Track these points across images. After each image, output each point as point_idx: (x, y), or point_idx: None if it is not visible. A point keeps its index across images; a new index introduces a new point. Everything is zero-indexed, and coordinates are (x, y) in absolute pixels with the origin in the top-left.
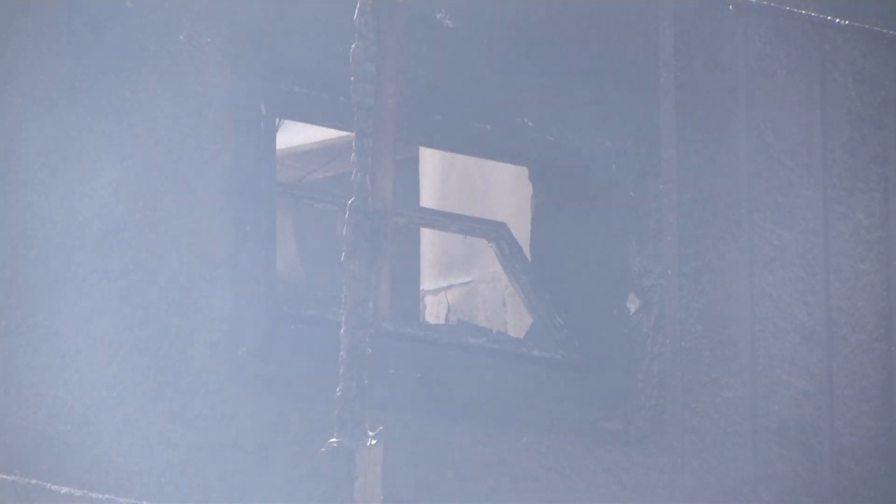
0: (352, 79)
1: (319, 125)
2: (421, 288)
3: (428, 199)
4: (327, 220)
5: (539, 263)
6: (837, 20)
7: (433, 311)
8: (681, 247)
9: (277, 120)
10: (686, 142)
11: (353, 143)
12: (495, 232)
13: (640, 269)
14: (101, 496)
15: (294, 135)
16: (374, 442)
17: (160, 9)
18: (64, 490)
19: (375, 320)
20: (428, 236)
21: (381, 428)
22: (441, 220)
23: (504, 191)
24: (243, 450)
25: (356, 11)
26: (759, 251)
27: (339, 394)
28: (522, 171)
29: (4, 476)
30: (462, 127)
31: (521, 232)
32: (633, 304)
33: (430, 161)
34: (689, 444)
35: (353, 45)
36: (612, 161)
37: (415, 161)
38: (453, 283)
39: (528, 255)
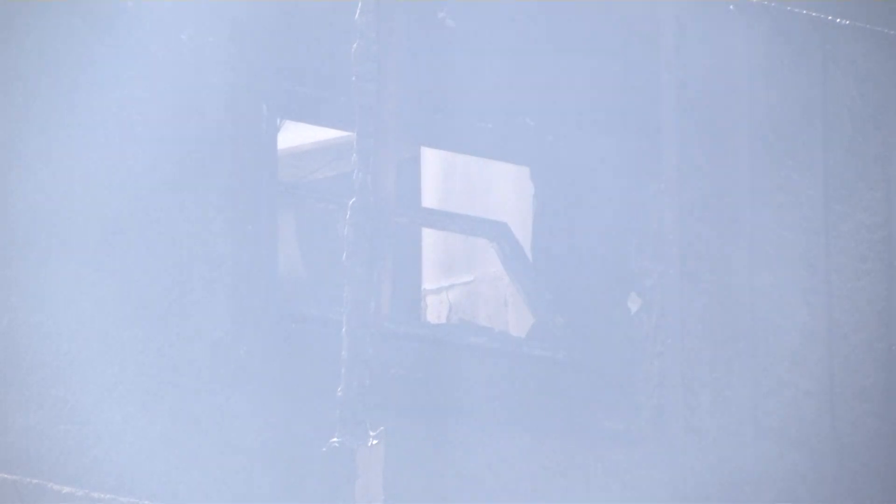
0: (353, 78)
1: (321, 125)
2: (422, 287)
3: (429, 198)
4: (328, 220)
5: (540, 263)
6: (839, 20)
7: (435, 310)
8: (682, 246)
9: (279, 120)
10: (687, 141)
11: (355, 143)
12: (496, 232)
13: (640, 269)
14: (102, 495)
15: (295, 135)
16: (375, 442)
17: (161, 9)
18: (65, 489)
19: (377, 320)
20: (429, 236)
21: (382, 428)
22: (442, 219)
23: (505, 191)
24: (244, 450)
25: (358, 11)
26: (761, 251)
27: (340, 393)
28: (524, 171)
29: (6, 475)
30: (463, 127)
31: (523, 231)
32: (634, 304)
33: (432, 161)
34: (691, 444)
35: (355, 45)
36: (612, 161)
37: (416, 161)
38: (455, 283)
39: (529, 254)
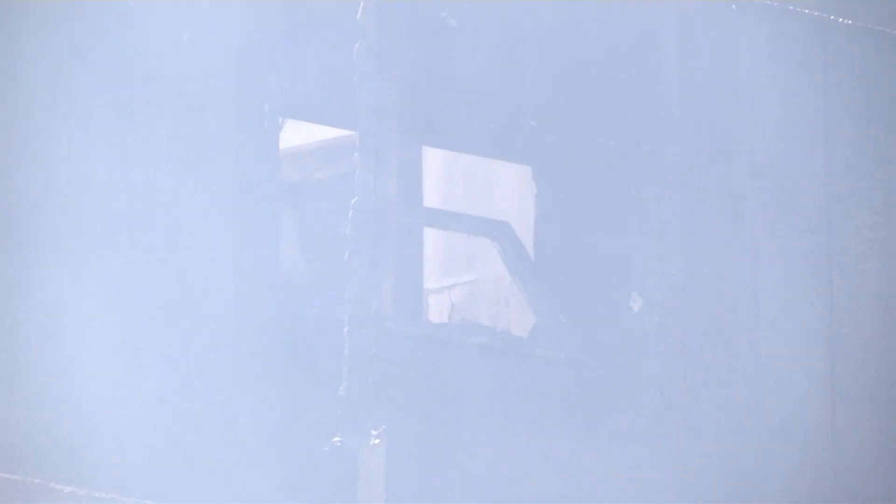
0: (355, 78)
1: (322, 124)
2: (424, 287)
3: (431, 198)
4: (330, 219)
5: (542, 263)
6: (840, 20)
7: (437, 310)
8: (683, 246)
9: (280, 119)
10: (688, 141)
11: (357, 143)
12: (498, 231)
13: (642, 269)
14: (104, 495)
15: (297, 134)
16: (377, 441)
17: (162, 9)
18: (67, 489)
19: (379, 319)
20: (431, 236)
21: (384, 427)
22: (444, 219)
23: (507, 190)
24: (245, 449)
25: (360, 11)
26: (762, 251)
27: (342, 393)
28: (525, 171)
29: (8, 475)
30: (465, 126)
31: (524, 231)
32: (635, 304)
33: (434, 160)
34: (692, 443)
35: (357, 45)
36: (614, 160)
37: (418, 160)
38: (456, 282)
39: (531, 254)
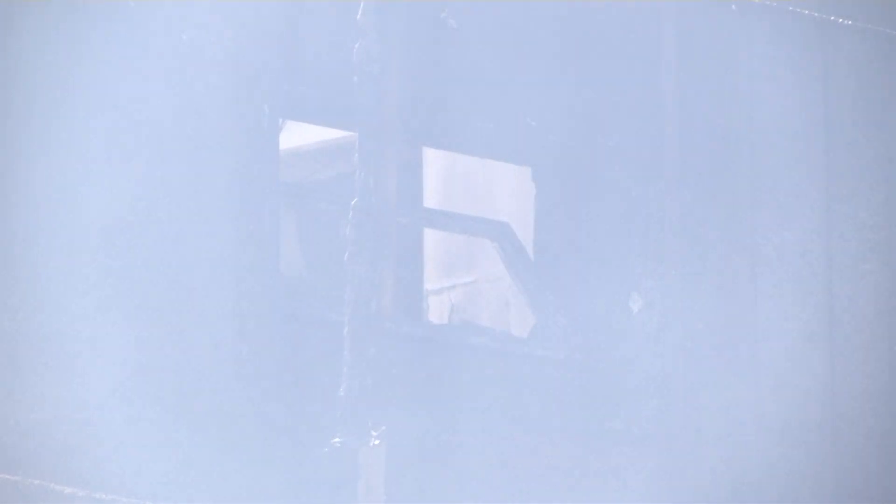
0: (355, 78)
1: (322, 125)
2: (424, 288)
3: (431, 198)
4: (330, 220)
5: (542, 263)
6: (840, 20)
7: (436, 310)
8: (683, 247)
9: (280, 120)
10: (688, 141)
11: (357, 143)
12: (498, 231)
13: (642, 270)
14: (104, 496)
15: (297, 135)
16: (377, 442)
17: (162, 9)
18: (67, 490)
19: (378, 320)
20: (431, 236)
21: (383, 427)
22: (444, 219)
23: (507, 190)
24: (245, 450)
25: (360, 11)
26: (762, 251)
27: (342, 393)
28: (525, 171)
29: (8, 476)
30: (465, 127)
31: (524, 231)
32: (635, 304)
33: (433, 161)
34: (692, 444)
35: (357, 45)
36: (614, 160)
37: (418, 161)
38: (456, 283)
39: (530, 254)
